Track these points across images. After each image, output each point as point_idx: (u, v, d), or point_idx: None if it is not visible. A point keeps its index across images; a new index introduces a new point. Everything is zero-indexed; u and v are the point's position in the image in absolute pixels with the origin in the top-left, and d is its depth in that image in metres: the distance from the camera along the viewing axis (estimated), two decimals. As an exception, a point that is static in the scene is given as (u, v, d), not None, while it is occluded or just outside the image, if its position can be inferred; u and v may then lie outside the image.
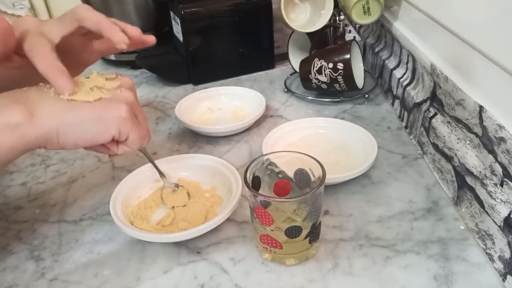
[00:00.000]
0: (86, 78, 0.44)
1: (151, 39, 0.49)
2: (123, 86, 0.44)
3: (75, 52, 0.48)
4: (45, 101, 0.39)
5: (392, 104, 0.71)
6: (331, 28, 0.78)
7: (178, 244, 0.47)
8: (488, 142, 0.43)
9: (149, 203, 0.52)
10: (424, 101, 0.59)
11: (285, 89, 0.80)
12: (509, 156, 0.39)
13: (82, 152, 0.64)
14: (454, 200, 0.49)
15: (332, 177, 0.51)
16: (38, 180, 0.60)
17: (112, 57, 0.95)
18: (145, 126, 0.45)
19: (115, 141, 0.43)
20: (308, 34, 0.79)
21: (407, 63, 0.67)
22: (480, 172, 0.44)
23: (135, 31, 0.47)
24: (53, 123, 0.39)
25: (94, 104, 0.40)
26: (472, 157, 0.46)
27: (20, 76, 0.46)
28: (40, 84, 0.42)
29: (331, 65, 0.69)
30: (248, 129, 0.68)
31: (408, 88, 0.64)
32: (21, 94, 0.40)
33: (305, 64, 0.74)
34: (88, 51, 0.51)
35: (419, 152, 0.60)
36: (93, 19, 0.45)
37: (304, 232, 0.41)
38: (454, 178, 0.49)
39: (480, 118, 0.44)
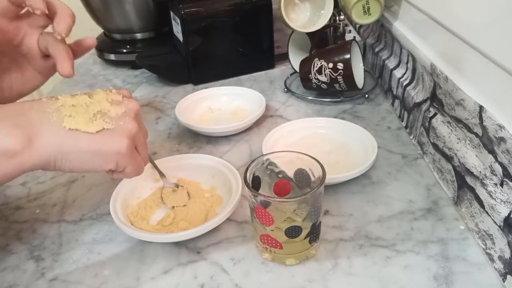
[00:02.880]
0: (89, 95, 0.43)
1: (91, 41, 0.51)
2: (128, 114, 0.42)
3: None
4: (46, 127, 0.38)
5: (392, 104, 0.71)
6: (331, 28, 0.78)
7: (178, 244, 0.47)
8: (488, 142, 0.43)
9: (149, 203, 0.52)
10: (424, 101, 0.59)
11: (285, 89, 0.80)
12: (509, 156, 0.39)
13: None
14: (454, 200, 0.49)
15: (332, 177, 0.51)
16: (38, 180, 0.60)
17: (112, 57, 0.95)
18: (143, 155, 0.45)
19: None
20: (308, 34, 0.79)
21: (407, 63, 0.67)
22: (480, 172, 0.44)
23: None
24: (52, 151, 0.38)
25: (96, 136, 0.39)
26: (472, 157, 0.46)
27: None
28: (43, 99, 0.41)
29: (331, 65, 0.69)
30: (248, 129, 0.68)
31: (408, 88, 0.64)
32: (23, 114, 0.38)
33: (305, 64, 0.74)
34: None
35: (419, 152, 0.60)
36: None
37: (304, 232, 0.41)
38: (454, 178, 0.49)
39: (480, 118, 0.44)
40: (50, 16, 0.47)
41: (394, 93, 0.70)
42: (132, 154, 0.42)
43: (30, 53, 0.50)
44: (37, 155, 0.37)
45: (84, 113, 0.40)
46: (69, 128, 0.38)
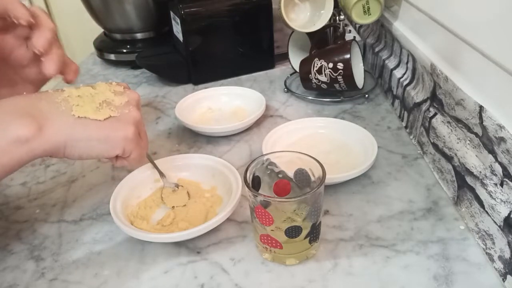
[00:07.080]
0: (93, 87, 0.45)
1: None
2: (131, 102, 0.45)
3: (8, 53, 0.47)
4: (56, 116, 0.40)
5: (392, 104, 0.71)
6: (331, 28, 0.78)
7: (178, 244, 0.47)
8: (488, 142, 0.43)
9: (149, 203, 0.52)
10: (424, 101, 0.59)
11: (285, 89, 0.80)
12: (509, 156, 0.39)
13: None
14: (454, 200, 0.49)
15: (332, 177, 0.51)
16: (38, 180, 0.60)
17: (112, 57, 0.95)
18: (145, 142, 0.47)
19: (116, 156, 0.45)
20: (308, 34, 0.79)
21: (407, 63, 0.67)
22: (480, 172, 0.44)
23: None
24: (62, 138, 0.40)
25: (103, 123, 0.42)
26: (472, 157, 0.46)
27: None
28: (49, 91, 0.43)
29: (331, 65, 0.69)
30: (248, 129, 0.68)
31: (408, 88, 0.64)
32: (33, 104, 0.40)
33: (305, 64, 0.74)
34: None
35: (419, 152, 0.60)
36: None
37: (304, 232, 0.41)
38: (454, 178, 0.49)
39: (480, 118, 0.44)
40: (33, 27, 0.45)
41: (394, 93, 0.70)
42: (137, 139, 0.44)
43: (19, 65, 0.50)
44: (48, 142, 0.39)
45: (91, 102, 0.43)
46: (78, 116, 0.41)
